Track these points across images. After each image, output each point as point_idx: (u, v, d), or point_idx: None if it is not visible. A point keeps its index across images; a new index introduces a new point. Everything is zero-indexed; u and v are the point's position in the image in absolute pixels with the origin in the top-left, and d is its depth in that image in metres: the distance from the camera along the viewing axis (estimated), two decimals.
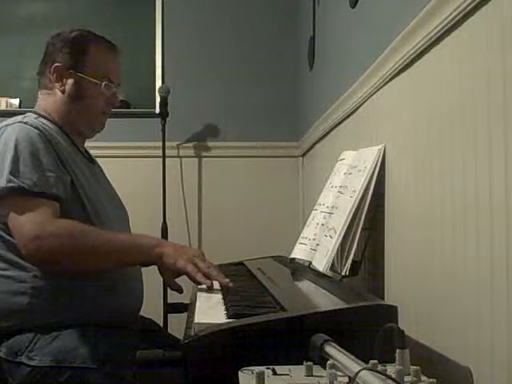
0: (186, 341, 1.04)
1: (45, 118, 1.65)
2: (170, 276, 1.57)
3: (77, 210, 1.56)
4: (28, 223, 1.46)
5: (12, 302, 1.50)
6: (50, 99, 1.70)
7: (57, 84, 1.69)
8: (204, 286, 1.47)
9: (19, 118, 1.60)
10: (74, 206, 1.56)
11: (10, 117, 1.64)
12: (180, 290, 1.60)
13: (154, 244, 1.55)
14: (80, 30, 1.73)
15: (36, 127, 1.56)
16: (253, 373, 0.86)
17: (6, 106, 3.25)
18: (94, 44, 1.72)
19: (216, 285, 1.61)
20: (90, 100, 1.70)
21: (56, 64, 1.68)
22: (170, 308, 2.08)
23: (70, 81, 1.68)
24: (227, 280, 1.46)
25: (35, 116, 1.64)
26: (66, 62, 1.68)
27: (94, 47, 1.71)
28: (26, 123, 1.57)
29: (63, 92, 1.69)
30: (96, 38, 1.73)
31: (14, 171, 1.48)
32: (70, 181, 1.56)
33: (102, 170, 1.83)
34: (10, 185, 1.47)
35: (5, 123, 1.59)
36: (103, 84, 1.70)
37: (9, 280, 1.51)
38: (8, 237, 1.51)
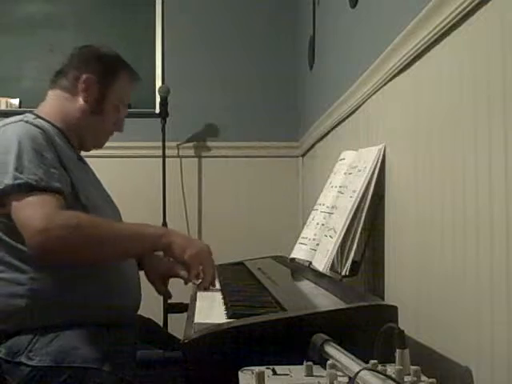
0: (185, 341, 1.04)
1: (43, 119, 1.65)
2: (160, 281, 1.72)
3: (75, 209, 1.57)
4: (35, 216, 1.45)
5: (10, 304, 1.50)
6: (66, 103, 1.70)
7: (82, 93, 1.70)
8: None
9: (19, 117, 1.61)
10: (72, 205, 1.56)
11: (10, 116, 1.64)
12: (169, 295, 1.75)
13: (161, 233, 1.58)
14: (113, 52, 1.78)
15: (37, 126, 1.57)
16: (253, 373, 0.86)
17: (6, 106, 3.25)
18: (124, 71, 1.76)
19: (216, 284, 1.62)
20: (105, 118, 1.74)
21: (88, 75, 1.69)
22: (170, 308, 2.08)
23: (96, 94, 1.70)
24: (212, 285, 1.59)
25: (34, 117, 1.64)
26: (98, 76, 1.70)
27: (124, 74, 1.76)
28: (27, 122, 1.57)
29: (86, 102, 1.70)
30: (126, 65, 1.78)
31: (19, 167, 1.48)
32: (70, 181, 1.57)
33: (93, 171, 1.84)
34: (17, 182, 1.47)
35: (6, 122, 1.60)
36: (120, 108, 1.76)
37: (6, 282, 1.51)
38: (6, 238, 1.51)
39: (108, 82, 1.72)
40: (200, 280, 1.58)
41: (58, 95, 1.72)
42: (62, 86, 1.72)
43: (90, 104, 1.70)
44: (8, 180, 1.47)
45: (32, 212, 1.46)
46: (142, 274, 1.75)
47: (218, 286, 1.60)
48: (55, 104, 1.71)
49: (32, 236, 1.46)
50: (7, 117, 1.65)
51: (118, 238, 1.54)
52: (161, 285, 1.74)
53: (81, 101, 1.70)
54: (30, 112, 1.69)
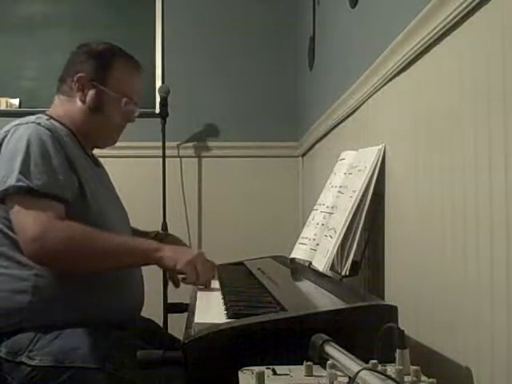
0: (186, 341, 1.04)
1: (56, 120, 1.65)
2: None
3: (82, 211, 1.57)
4: (31, 223, 1.46)
5: (13, 300, 1.50)
6: (69, 106, 1.70)
7: (78, 93, 1.69)
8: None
9: (32, 118, 1.60)
10: (80, 207, 1.56)
11: (10, 117, 1.63)
12: (177, 284, 1.72)
13: (154, 247, 1.58)
14: (107, 44, 1.74)
15: (48, 128, 1.57)
16: (253, 373, 0.87)
17: (6, 106, 3.25)
18: (119, 60, 1.72)
19: (216, 284, 1.62)
20: (109, 114, 1.71)
21: (80, 74, 1.68)
22: (170, 308, 2.08)
23: (92, 92, 1.69)
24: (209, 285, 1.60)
25: (47, 117, 1.64)
26: (90, 73, 1.69)
27: (118, 63, 1.72)
28: (38, 124, 1.57)
29: (83, 102, 1.69)
30: (122, 53, 1.74)
31: (25, 171, 1.49)
32: (78, 183, 1.57)
33: (106, 173, 1.84)
34: (19, 184, 1.48)
35: (17, 122, 1.59)
36: (123, 101, 1.71)
37: (10, 278, 1.51)
38: (11, 234, 1.52)
39: (102, 76, 1.69)
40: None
41: (61, 100, 1.73)
42: (63, 92, 1.72)
43: (88, 103, 1.69)
44: (11, 181, 1.48)
45: (28, 219, 1.47)
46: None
47: (217, 285, 1.60)
48: (61, 109, 1.71)
49: (26, 244, 1.48)
50: (7, 117, 1.65)
51: (111, 251, 1.54)
52: (174, 273, 1.71)
53: (78, 102, 1.69)
54: (43, 112, 1.70)
